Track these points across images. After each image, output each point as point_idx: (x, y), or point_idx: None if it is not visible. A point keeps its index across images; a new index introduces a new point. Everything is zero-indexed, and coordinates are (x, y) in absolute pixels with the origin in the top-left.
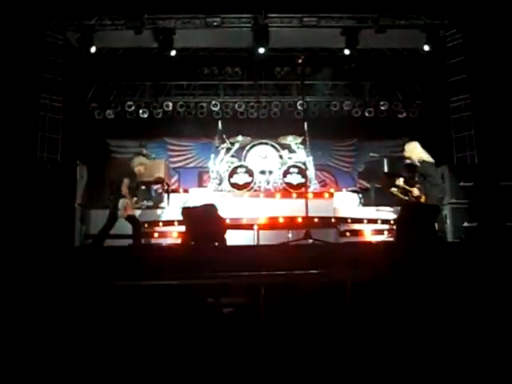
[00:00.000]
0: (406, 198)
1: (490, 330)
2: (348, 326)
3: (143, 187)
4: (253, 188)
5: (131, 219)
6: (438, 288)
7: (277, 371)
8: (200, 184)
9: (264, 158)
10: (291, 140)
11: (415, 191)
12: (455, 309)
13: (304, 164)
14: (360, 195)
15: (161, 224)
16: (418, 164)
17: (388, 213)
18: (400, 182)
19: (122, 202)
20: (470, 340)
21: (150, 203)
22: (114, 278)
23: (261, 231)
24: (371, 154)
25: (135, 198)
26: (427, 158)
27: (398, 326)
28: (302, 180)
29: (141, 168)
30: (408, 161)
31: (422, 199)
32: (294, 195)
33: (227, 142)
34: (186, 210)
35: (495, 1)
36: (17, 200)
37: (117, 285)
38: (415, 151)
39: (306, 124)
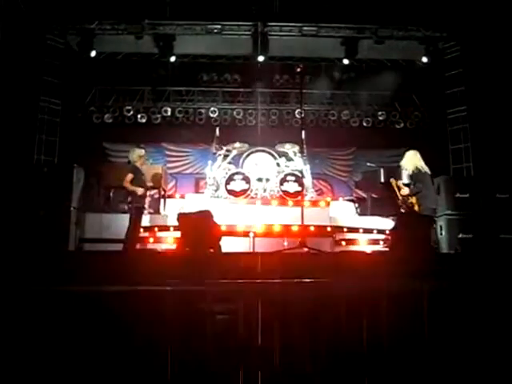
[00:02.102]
0: (405, 204)
1: (483, 340)
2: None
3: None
4: (249, 195)
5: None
6: (435, 298)
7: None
8: (197, 190)
9: (261, 165)
10: (289, 148)
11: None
12: (449, 319)
13: (301, 172)
14: (356, 204)
15: (156, 229)
16: (410, 172)
17: (384, 222)
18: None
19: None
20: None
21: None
22: (107, 283)
23: (256, 238)
24: (368, 164)
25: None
26: (421, 167)
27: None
28: (299, 188)
29: (141, 161)
30: (405, 171)
31: (416, 207)
32: (291, 203)
33: (224, 148)
34: (182, 216)
35: (493, 14)
36: (12, 202)
37: (108, 291)
38: (413, 159)
39: (303, 132)
